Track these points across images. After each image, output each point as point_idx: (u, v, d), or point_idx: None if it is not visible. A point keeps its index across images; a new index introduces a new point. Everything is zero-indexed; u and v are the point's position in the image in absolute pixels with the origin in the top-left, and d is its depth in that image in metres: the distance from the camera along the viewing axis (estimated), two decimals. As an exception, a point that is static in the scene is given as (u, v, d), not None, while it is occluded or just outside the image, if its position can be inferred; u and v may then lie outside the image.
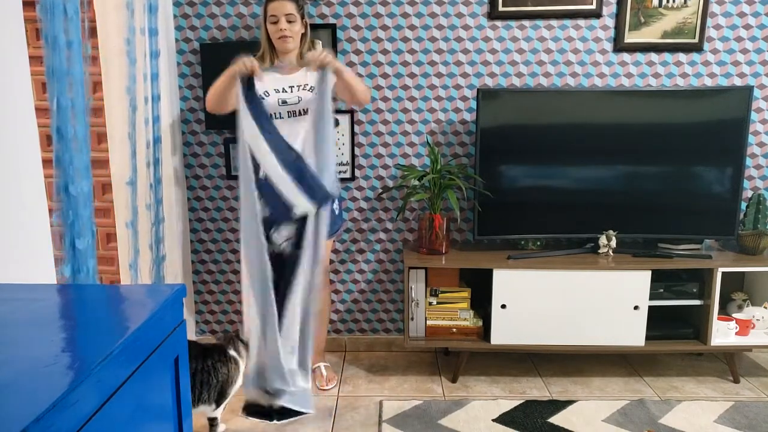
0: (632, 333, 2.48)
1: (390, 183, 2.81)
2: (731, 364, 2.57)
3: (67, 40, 1.67)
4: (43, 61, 1.62)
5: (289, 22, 2.22)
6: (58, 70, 1.64)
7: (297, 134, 2.14)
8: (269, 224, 2.05)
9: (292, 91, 2.26)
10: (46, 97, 1.65)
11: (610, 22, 2.65)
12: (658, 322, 2.55)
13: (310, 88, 2.20)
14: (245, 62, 2.04)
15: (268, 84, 2.24)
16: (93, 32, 2.62)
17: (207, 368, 2.00)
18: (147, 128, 2.40)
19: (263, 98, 2.19)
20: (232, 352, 2.09)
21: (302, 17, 2.28)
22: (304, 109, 2.22)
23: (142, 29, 2.34)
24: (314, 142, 2.08)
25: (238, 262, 2.88)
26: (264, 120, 2.06)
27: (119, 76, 2.26)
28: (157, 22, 2.42)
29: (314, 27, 2.65)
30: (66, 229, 1.69)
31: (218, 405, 2.06)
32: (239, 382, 2.09)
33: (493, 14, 2.64)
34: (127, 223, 2.31)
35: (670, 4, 2.61)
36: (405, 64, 2.71)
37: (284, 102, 2.26)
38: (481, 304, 2.59)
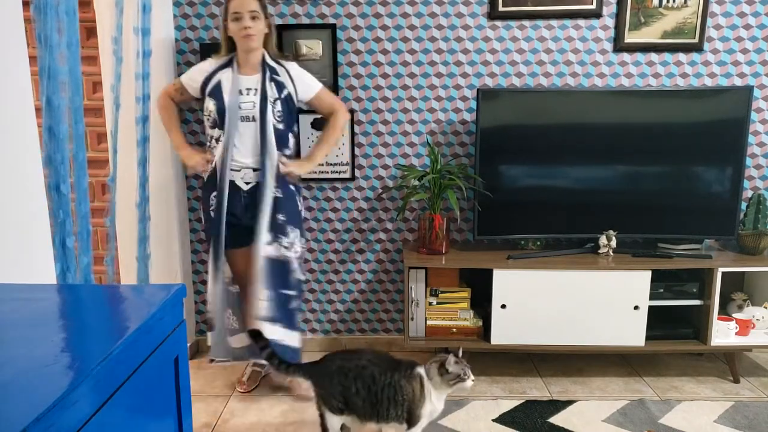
0: (632, 333, 2.48)
1: (390, 183, 2.81)
2: (731, 364, 2.56)
3: (59, 40, 1.67)
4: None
5: (253, 18, 2.18)
6: (51, 70, 1.64)
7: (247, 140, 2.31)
8: None
9: (248, 95, 2.28)
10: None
11: (610, 22, 2.65)
12: (658, 322, 2.55)
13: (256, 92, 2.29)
14: (196, 167, 2.33)
15: (228, 84, 2.27)
16: (93, 32, 2.62)
17: (393, 384, 1.84)
18: (137, 127, 2.40)
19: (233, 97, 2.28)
20: (419, 370, 1.89)
21: (266, 16, 2.25)
22: (254, 116, 2.27)
23: (135, 29, 2.33)
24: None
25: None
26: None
27: (109, 75, 2.26)
28: (151, 22, 2.40)
29: (314, 27, 2.65)
30: (56, 227, 1.69)
31: (410, 426, 1.87)
32: (427, 405, 1.88)
33: (493, 14, 2.64)
34: (105, 221, 2.30)
35: (670, 4, 2.61)
36: (405, 64, 2.71)
37: (239, 107, 2.26)
38: (481, 304, 2.59)
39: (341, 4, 2.65)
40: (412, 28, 2.68)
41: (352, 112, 2.73)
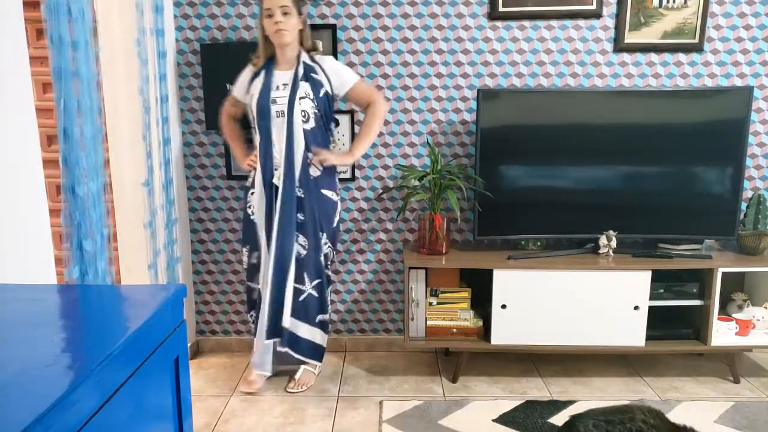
0: (632, 333, 2.48)
1: (390, 183, 2.81)
2: (731, 364, 2.56)
3: (72, 41, 1.67)
4: (45, 61, 1.62)
5: (285, 14, 2.21)
6: (65, 71, 1.64)
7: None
8: None
9: (283, 90, 2.32)
10: (48, 97, 1.65)
11: (610, 23, 2.65)
12: (659, 322, 2.55)
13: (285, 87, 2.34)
14: (242, 166, 2.46)
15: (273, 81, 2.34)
16: (93, 32, 2.61)
17: None
18: (158, 129, 2.42)
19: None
20: None
21: (300, 13, 2.28)
22: (284, 111, 2.31)
23: (151, 30, 2.34)
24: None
25: (239, 262, 2.88)
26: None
27: (128, 77, 2.26)
28: (164, 23, 2.43)
29: (314, 27, 2.65)
30: (73, 230, 1.68)
31: None
32: None
33: (493, 14, 2.64)
34: (145, 224, 2.32)
35: (670, 5, 2.61)
36: (405, 64, 2.71)
37: (274, 101, 2.31)
38: (482, 304, 2.59)
39: (342, 4, 2.65)
40: (412, 28, 2.68)
41: (352, 112, 2.73)
